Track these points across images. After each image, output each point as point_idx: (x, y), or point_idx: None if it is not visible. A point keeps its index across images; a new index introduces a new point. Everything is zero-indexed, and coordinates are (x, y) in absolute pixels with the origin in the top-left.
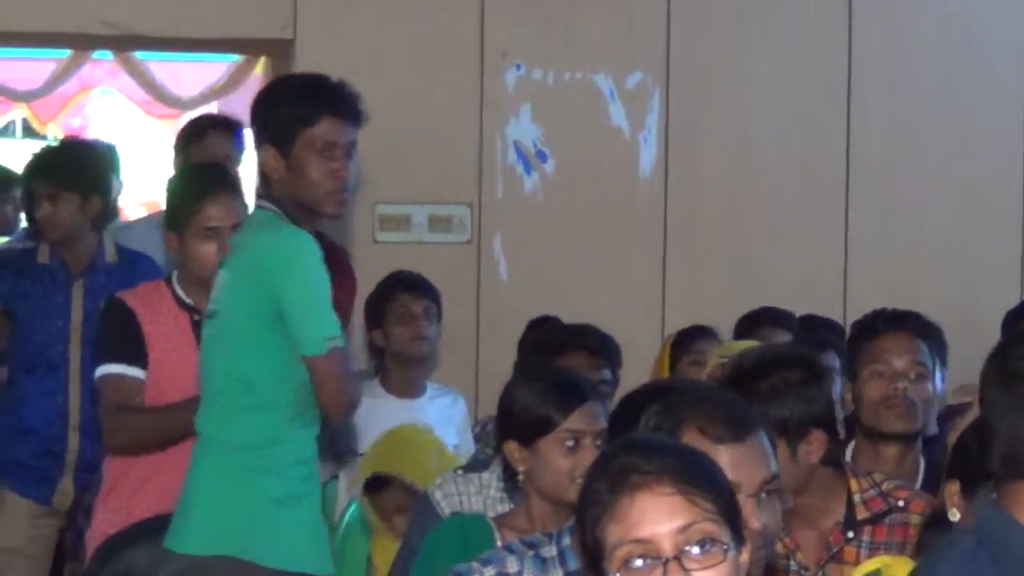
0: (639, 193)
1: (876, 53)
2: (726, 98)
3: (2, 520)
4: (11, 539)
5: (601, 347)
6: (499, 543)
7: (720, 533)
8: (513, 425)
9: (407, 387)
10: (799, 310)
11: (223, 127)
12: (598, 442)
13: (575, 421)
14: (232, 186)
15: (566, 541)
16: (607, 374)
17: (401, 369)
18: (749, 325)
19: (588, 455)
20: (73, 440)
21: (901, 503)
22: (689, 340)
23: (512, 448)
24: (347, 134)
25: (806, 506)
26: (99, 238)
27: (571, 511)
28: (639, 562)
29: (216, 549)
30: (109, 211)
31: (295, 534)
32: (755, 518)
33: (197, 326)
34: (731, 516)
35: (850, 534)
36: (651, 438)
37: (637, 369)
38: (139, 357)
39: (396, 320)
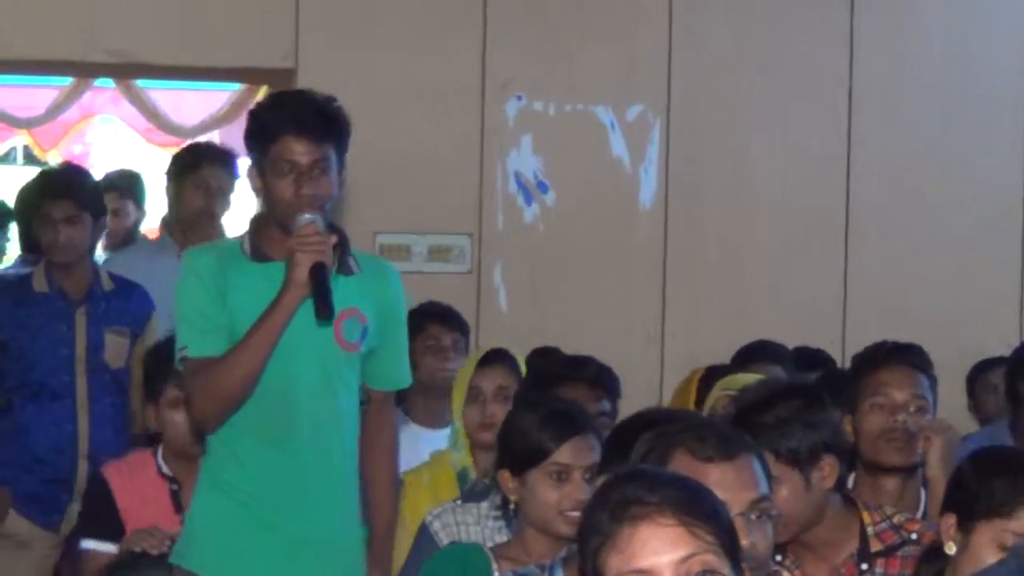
0: (639, 224)
1: (876, 86)
2: (726, 130)
3: (21, 556)
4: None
5: (600, 379)
6: (496, 574)
7: (720, 565)
8: (506, 454)
9: (431, 417)
10: (798, 342)
11: (218, 158)
12: (587, 476)
13: (563, 454)
14: None
15: (559, 573)
16: (606, 405)
17: (426, 399)
18: (744, 359)
19: (576, 489)
20: (82, 467)
21: (914, 535)
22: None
23: (505, 477)
24: (312, 151)
25: (817, 539)
26: (95, 265)
27: (564, 542)
28: None
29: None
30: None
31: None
32: (744, 536)
33: (176, 495)
34: (732, 548)
35: (864, 566)
36: (653, 469)
37: (637, 400)
38: (115, 532)
39: (425, 351)
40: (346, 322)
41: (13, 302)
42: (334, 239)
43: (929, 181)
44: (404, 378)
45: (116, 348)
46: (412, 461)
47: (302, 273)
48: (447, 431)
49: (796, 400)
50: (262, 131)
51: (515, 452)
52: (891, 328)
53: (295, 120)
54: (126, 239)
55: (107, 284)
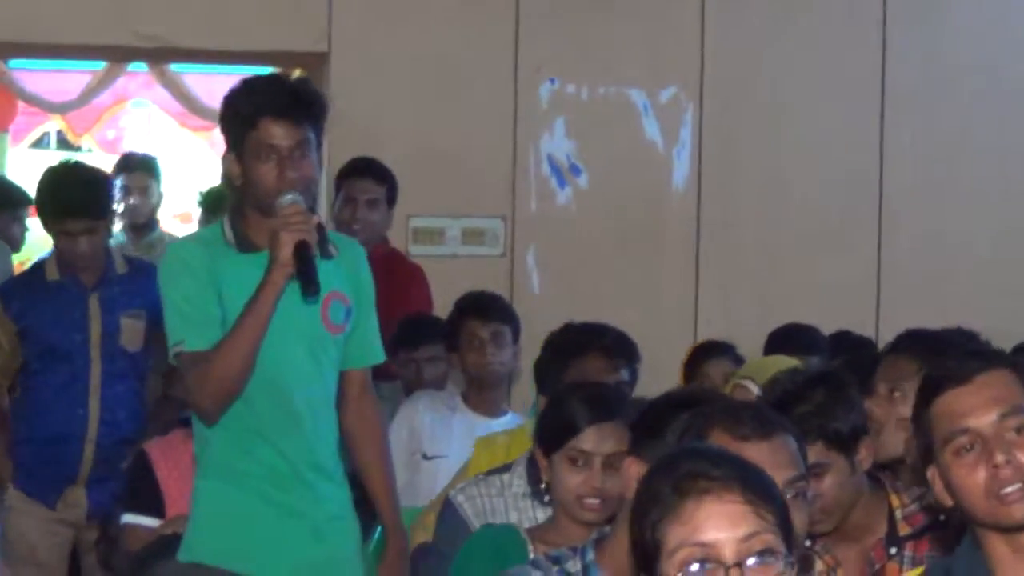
0: (672, 207)
1: (910, 68)
2: (759, 112)
3: (12, 523)
4: (21, 543)
5: (616, 346)
6: (532, 555)
7: (778, 545)
8: (539, 432)
9: (483, 405)
10: (831, 324)
11: None
12: (610, 464)
13: (584, 440)
14: None
15: (590, 556)
16: (625, 374)
17: (478, 389)
18: (779, 344)
19: (594, 476)
20: (88, 452)
21: (943, 517)
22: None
23: (539, 456)
24: (292, 134)
25: (848, 523)
26: (108, 250)
27: (596, 525)
28: (697, 566)
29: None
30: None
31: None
32: None
33: None
34: (787, 531)
35: (893, 550)
36: (715, 447)
37: (670, 384)
38: (155, 507)
39: (467, 345)
40: (332, 305)
41: (28, 292)
42: (316, 219)
43: (962, 163)
44: (378, 353)
45: (133, 331)
46: (463, 445)
47: (287, 252)
48: (498, 421)
49: (831, 384)
50: (239, 117)
51: (546, 432)
52: (924, 311)
53: (273, 104)
54: (150, 218)
55: (121, 267)
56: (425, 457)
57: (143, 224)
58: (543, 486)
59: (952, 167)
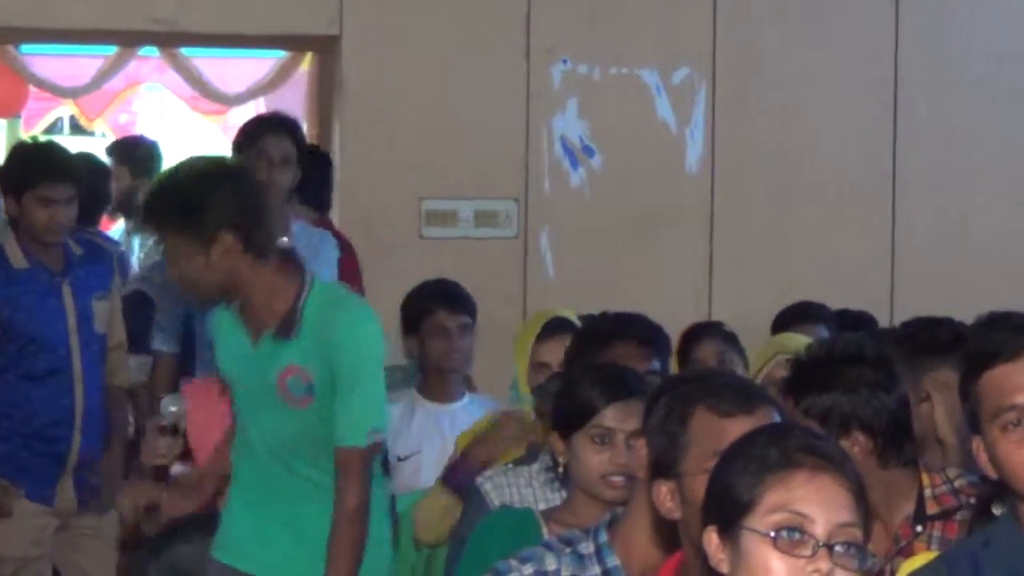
0: (686, 188)
1: (923, 49)
2: (772, 93)
3: (8, 528)
4: (18, 548)
5: (650, 337)
6: (545, 537)
7: (863, 543)
8: (556, 415)
9: (442, 393)
10: (846, 304)
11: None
12: (631, 441)
13: (607, 417)
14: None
15: (603, 538)
16: (656, 365)
17: (437, 376)
18: (785, 323)
19: (619, 453)
20: (76, 441)
21: (972, 500)
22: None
23: (555, 439)
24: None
25: (876, 501)
26: None
27: (612, 506)
28: (787, 533)
29: None
30: None
31: None
32: None
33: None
34: (866, 532)
35: (919, 528)
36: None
37: None
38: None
39: (432, 334)
40: (289, 381)
41: (1, 282)
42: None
43: (976, 144)
44: (348, 435)
45: (102, 314)
46: (431, 436)
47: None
48: (456, 406)
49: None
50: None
51: (564, 413)
52: (939, 292)
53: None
54: (124, 204)
55: (77, 249)
56: (400, 459)
57: (115, 208)
58: (560, 469)
59: (966, 146)
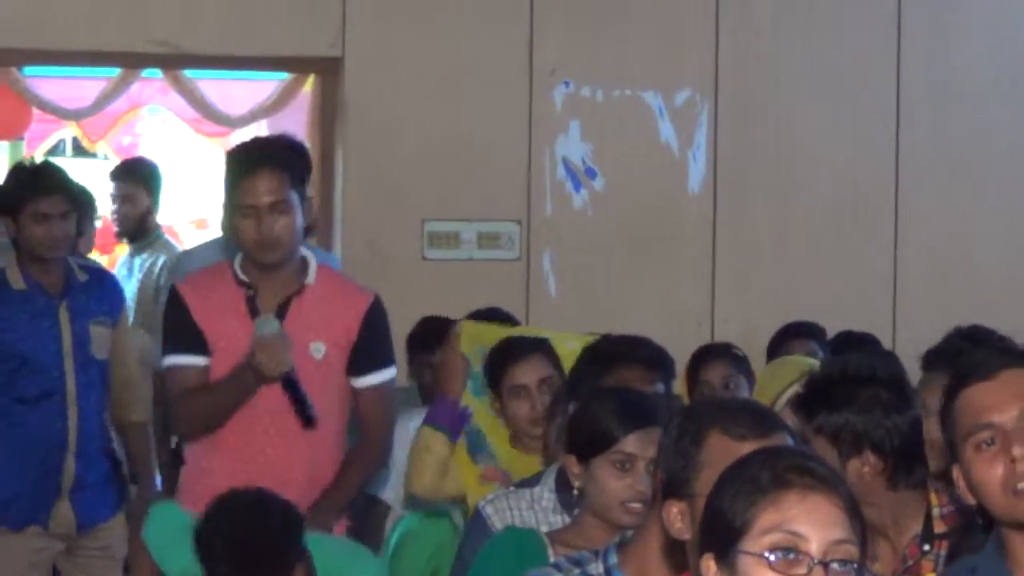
0: (688, 209)
1: (924, 65)
2: (774, 115)
3: (5, 550)
4: (15, 571)
5: (656, 360)
6: (552, 559)
7: (858, 559)
8: (573, 439)
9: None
10: (848, 325)
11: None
12: (651, 468)
13: (629, 444)
14: None
15: (613, 559)
16: (660, 387)
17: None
18: (780, 340)
19: (638, 480)
20: (69, 464)
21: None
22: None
23: (571, 462)
24: None
25: (883, 521)
26: (66, 258)
27: (620, 529)
28: (782, 553)
29: None
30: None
31: None
32: None
33: (251, 301)
34: (863, 551)
35: (926, 547)
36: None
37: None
38: (197, 345)
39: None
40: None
41: None
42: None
43: (978, 164)
44: None
45: (101, 339)
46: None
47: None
48: None
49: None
50: None
51: (583, 437)
52: (941, 312)
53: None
54: (140, 227)
55: (81, 275)
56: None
57: (132, 232)
58: (575, 492)
59: (969, 166)
